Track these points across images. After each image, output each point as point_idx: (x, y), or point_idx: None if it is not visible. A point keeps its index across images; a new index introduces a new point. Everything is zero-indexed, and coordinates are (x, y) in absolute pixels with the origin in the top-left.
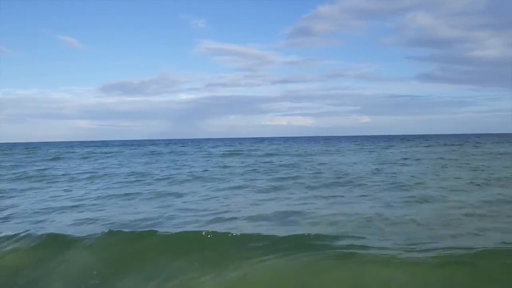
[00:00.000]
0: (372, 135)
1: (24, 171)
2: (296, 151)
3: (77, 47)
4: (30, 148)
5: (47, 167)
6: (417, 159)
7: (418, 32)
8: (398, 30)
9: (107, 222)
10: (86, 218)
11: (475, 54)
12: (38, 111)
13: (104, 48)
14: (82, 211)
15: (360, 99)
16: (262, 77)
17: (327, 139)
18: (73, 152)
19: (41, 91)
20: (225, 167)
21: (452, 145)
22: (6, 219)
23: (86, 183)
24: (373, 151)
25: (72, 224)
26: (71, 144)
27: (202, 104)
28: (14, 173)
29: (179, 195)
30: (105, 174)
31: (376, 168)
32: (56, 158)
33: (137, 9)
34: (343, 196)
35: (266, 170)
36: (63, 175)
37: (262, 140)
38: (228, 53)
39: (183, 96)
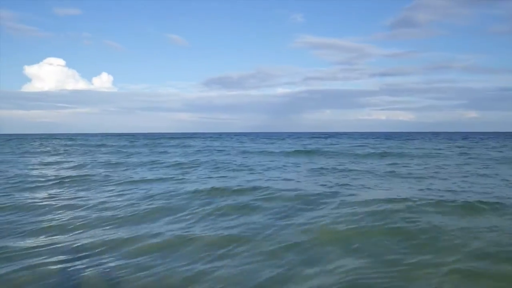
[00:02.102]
0: (480, 132)
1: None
2: None
3: (182, 44)
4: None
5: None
6: None
7: None
8: (511, 17)
9: None
10: None
11: None
12: (146, 105)
13: (206, 45)
14: None
15: (467, 92)
16: (359, 71)
17: (436, 135)
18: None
19: (149, 86)
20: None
21: None
22: None
23: None
24: None
25: None
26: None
27: (298, 98)
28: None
29: None
30: None
31: None
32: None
33: (237, 6)
34: None
35: None
36: None
37: (364, 134)
38: (325, 47)
39: (280, 90)
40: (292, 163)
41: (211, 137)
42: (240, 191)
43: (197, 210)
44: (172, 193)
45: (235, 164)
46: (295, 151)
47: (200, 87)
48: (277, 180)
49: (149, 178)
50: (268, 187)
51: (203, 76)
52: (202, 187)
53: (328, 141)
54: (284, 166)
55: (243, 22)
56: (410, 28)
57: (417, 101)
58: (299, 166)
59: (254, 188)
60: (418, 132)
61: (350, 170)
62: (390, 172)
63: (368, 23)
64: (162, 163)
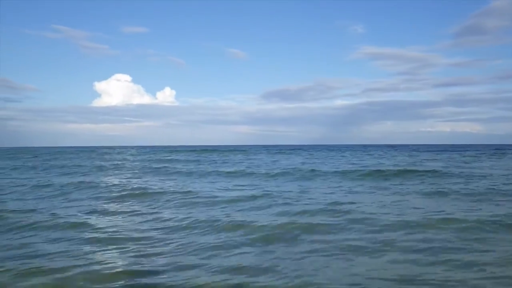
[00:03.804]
0: None
1: None
2: None
3: (242, 57)
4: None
5: None
6: None
7: None
8: None
9: None
10: None
11: None
12: (207, 118)
13: (266, 58)
14: None
15: None
16: (422, 81)
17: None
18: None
19: (210, 99)
20: None
21: None
22: None
23: None
24: None
25: None
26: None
27: (357, 109)
28: None
29: None
30: None
31: None
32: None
33: (298, 19)
34: None
35: None
36: None
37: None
38: (386, 57)
39: (339, 102)
40: None
41: (289, 150)
42: None
43: None
44: None
45: None
46: None
47: (259, 100)
48: None
49: None
50: None
51: (262, 89)
52: None
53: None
54: None
55: (303, 34)
56: (477, 36)
57: (485, 112)
58: None
59: None
60: (488, 145)
61: None
62: None
63: (432, 32)
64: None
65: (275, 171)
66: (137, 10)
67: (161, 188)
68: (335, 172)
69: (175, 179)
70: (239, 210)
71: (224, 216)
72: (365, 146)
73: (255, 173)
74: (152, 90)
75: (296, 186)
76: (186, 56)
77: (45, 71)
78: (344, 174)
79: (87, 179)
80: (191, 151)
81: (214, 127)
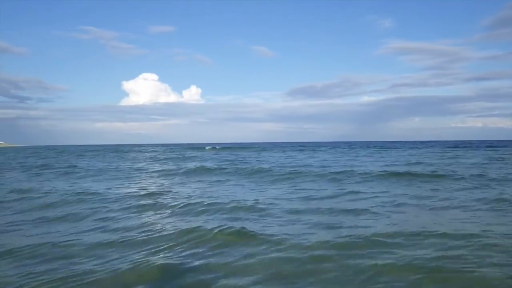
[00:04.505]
0: None
1: None
2: None
3: (268, 55)
4: None
5: None
6: None
7: None
8: None
9: None
10: None
11: None
12: (232, 115)
13: (291, 55)
14: None
15: None
16: (453, 75)
17: None
18: None
19: (236, 97)
20: None
21: None
22: None
23: None
24: None
25: None
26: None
27: (384, 106)
28: None
29: None
30: None
31: None
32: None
33: (324, 15)
34: None
35: None
36: None
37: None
38: (415, 52)
39: (365, 98)
40: None
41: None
42: None
43: None
44: None
45: None
46: None
47: (284, 97)
48: None
49: None
50: None
51: (287, 86)
52: None
53: None
54: None
55: (329, 31)
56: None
57: None
58: None
59: None
60: None
61: None
62: None
63: (463, 25)
64: None
65: (310, 170)
66: (163, 9)
67: (188, 195)
68: (377, 172)
69: (213, 181)
70: (279, 218)
71: (259, 225)
72: (393, 142)
73: (285, 174)
74: (178, 88)
75: (335, 189)
76: (212, 54)
77: (76, 71)
78: (382, 175)
79: (124, 183)
80: (221, 148)
81: (240, 125)
